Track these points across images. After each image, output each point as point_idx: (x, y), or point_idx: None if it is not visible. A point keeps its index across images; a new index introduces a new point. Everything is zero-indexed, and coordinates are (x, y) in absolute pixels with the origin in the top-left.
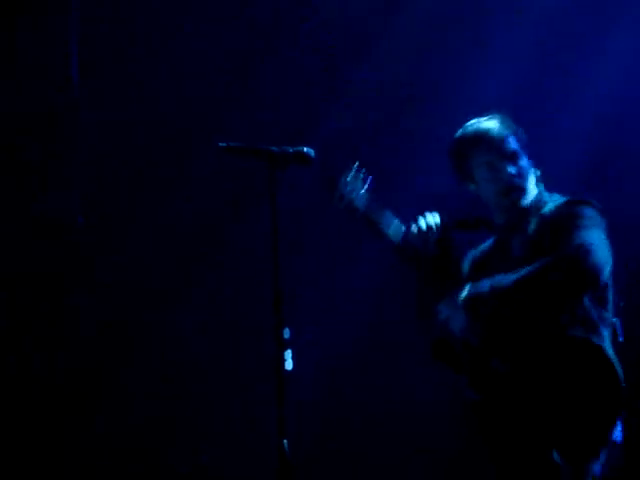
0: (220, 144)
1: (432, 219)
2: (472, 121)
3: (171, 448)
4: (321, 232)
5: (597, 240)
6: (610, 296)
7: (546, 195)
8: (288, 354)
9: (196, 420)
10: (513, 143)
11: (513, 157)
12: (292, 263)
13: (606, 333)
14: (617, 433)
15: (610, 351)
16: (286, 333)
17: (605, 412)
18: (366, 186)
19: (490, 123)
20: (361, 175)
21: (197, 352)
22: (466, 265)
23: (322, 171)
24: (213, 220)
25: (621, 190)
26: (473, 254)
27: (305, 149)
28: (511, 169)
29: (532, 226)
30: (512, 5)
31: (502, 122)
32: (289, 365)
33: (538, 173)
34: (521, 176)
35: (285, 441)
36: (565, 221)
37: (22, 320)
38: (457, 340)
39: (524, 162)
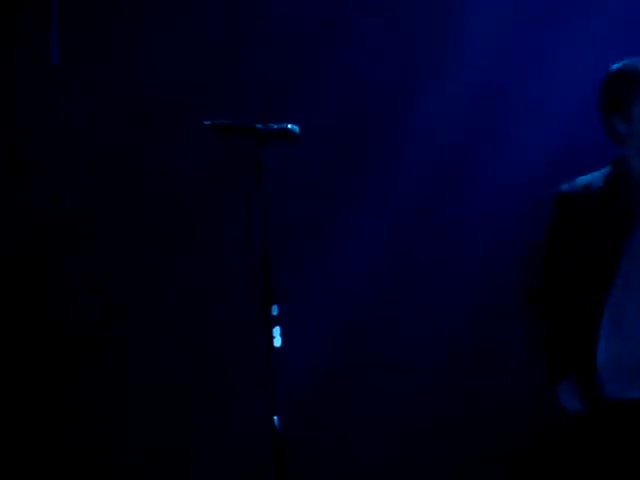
0: (205, 122)
1: None
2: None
3: (160, 442)
4: (311, 213)
5: None
6: None
7: None
8: (277, 331)
9: (187, 418)
10: None
11: None
12: (281, 246)
13: None
14: None
15: None
16: (274, 310)
17: None
18: None
19: None
20: None
21: (186, 346)
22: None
23: None
24: (200, 206)
25: None
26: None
27: (290, 125)
28: None
29: None
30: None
31: None
32: (277, 342)
33: None
34: None
35: (275, 418)
36: None
37: (5, 311)
38: None
39: None
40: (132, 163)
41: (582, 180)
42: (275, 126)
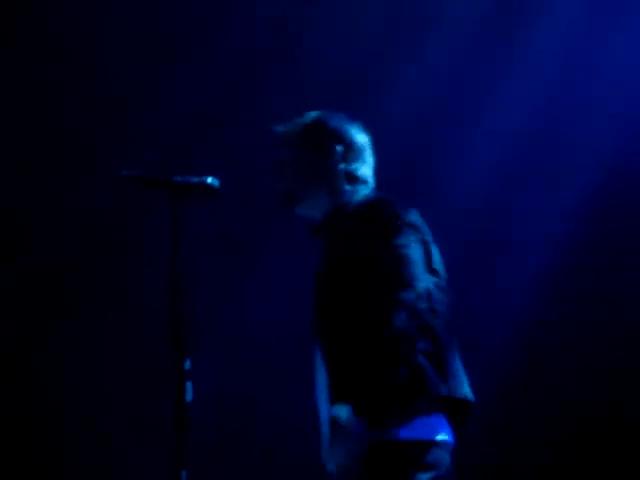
0: (123, 172)
1: None
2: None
3: None
4: (221, 263)
5: None
6: None
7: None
8: (189, 385)
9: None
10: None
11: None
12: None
13: None
14: None
15: None
16: (187, 364)
17: None
18: None
19: None
20: None
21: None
22: None
23: None
24: (112, 250)
25: None
26: None
27: (209, 179)
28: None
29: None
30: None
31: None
32: (189, 396)
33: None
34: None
35: (184, 473)
36: None
37: None
38: None
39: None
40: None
41: None
42: (194, 179)
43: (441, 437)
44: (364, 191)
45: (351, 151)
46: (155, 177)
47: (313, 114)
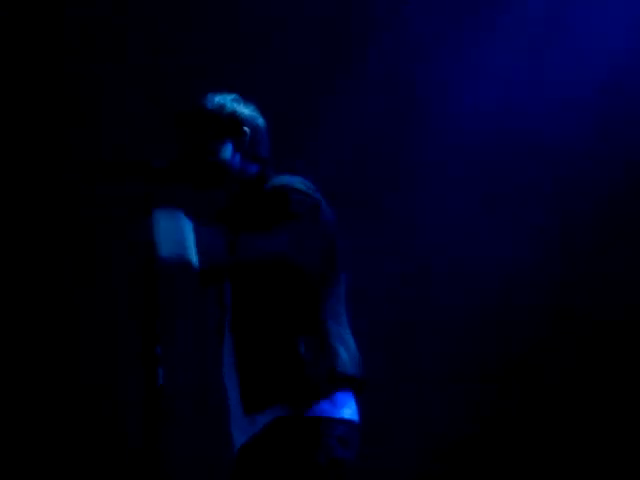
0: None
1: None
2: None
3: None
4: None
5: None
6: None
7: None
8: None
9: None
10: None
11: None
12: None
13: None
14: None
15: None
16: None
17: None
18: None
19: None
20: None
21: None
22: None
23: None
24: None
25: None
26: None
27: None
28: None
29: None
30: None
31: None
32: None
33: None
34: None
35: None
36: None
37: None
38: None
39: None
40: None
41: None
42: (172, 162)
43: (354, 417)
44: (269, 171)
45: (254, 134)
46: (128, 161)
47: (213, 98)
